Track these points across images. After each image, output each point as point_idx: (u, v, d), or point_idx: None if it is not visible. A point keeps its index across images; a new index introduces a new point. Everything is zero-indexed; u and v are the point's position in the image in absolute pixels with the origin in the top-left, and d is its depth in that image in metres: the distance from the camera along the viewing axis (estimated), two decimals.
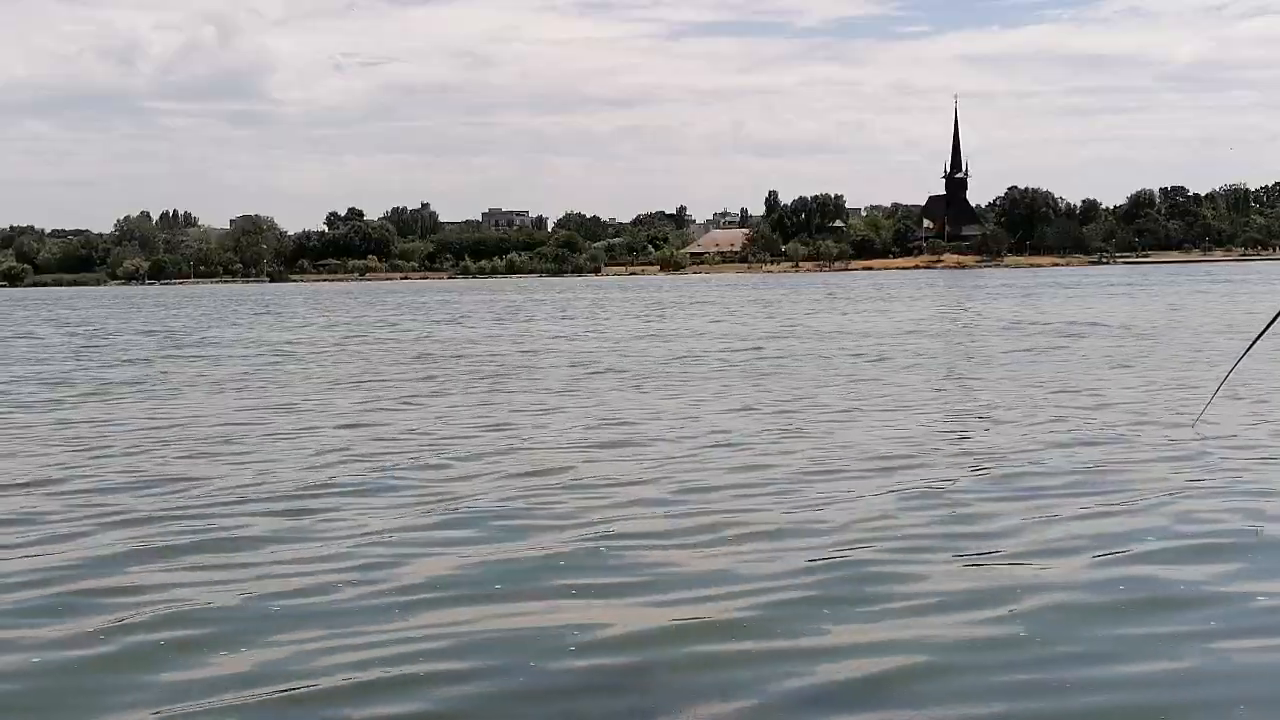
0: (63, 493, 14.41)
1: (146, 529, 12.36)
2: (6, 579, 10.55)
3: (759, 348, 37.20)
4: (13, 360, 39.35)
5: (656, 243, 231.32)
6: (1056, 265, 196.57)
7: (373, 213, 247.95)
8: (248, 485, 14.62)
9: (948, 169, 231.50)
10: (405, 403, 23.70)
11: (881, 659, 8.26)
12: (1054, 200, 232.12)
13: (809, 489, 13.86)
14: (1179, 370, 26.80)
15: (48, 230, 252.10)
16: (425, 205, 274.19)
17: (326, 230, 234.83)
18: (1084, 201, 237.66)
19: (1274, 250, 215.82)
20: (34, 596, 10.06)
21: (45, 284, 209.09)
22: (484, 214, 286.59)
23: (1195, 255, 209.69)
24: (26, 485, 15.05)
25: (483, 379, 28.79)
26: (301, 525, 12.44)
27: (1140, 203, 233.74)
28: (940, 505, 12.82)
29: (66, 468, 16.28)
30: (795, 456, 16.11)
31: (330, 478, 15.07)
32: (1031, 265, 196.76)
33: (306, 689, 7.90)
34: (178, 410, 23.24)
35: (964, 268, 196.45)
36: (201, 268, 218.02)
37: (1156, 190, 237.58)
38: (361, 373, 31.22)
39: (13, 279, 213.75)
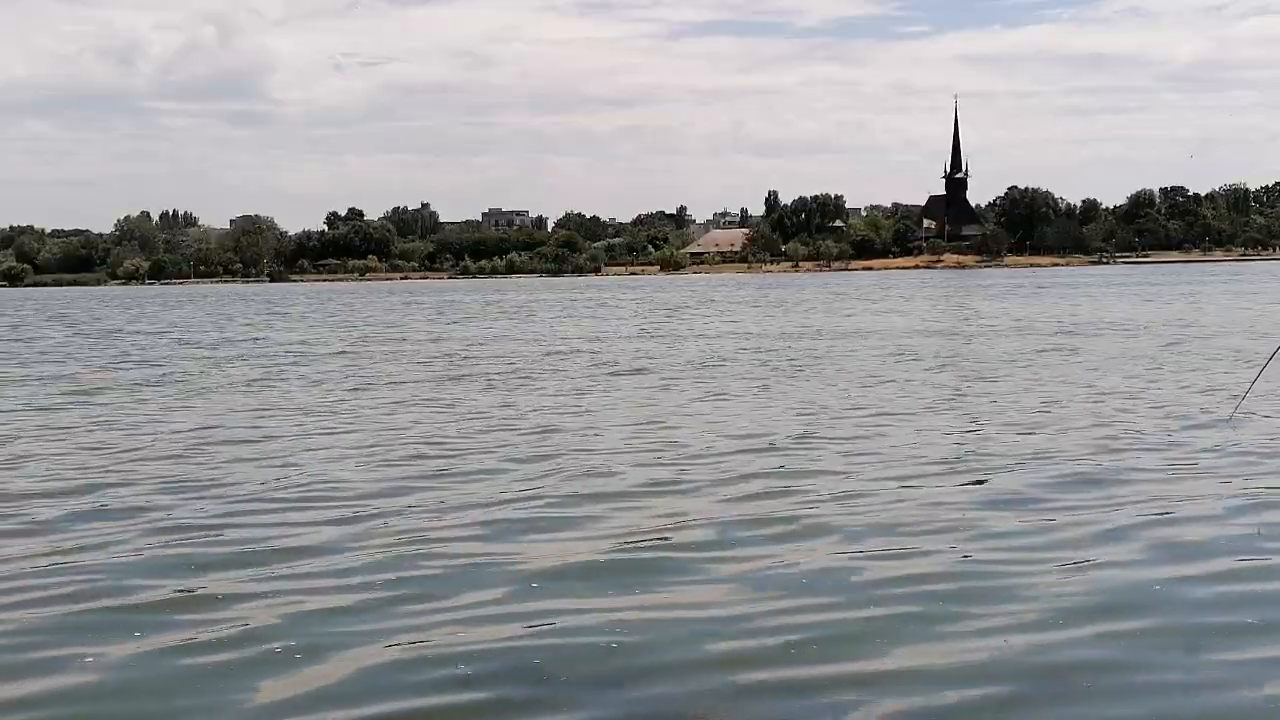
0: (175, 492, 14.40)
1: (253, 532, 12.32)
2: (97, 586, 10.52)
3: (828, 345, 37.25)
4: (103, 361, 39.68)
5: (656, 243, 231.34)
6: (1056, 265, 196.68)
7: (373, 213, 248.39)
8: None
9: (948, 169, 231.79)
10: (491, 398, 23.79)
11: (958, 683, 8.21)
12: (1054, 200, 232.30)
13: (870, 493, 13.95)
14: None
15: (48, 230, 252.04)
16: (425, 205, 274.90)
17: (326, 230, 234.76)
18: (1084, 201, 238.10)
19: (1274, 250, 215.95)
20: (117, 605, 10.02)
21: (45, 284, 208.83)
22: (484, 214, 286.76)
23: (1195, 255, 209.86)
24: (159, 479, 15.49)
25: (573, 378, 29.60)
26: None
27: (1140, 203, 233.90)
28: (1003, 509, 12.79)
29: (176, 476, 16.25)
30: (858, 458, 16.34)
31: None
32: (1031, 265, 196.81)
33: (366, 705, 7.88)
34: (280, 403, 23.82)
35: (964, 268, 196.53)
36: (201, 268, 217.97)
37: (1156, 190, 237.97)
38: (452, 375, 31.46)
39: (13, 279, 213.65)
